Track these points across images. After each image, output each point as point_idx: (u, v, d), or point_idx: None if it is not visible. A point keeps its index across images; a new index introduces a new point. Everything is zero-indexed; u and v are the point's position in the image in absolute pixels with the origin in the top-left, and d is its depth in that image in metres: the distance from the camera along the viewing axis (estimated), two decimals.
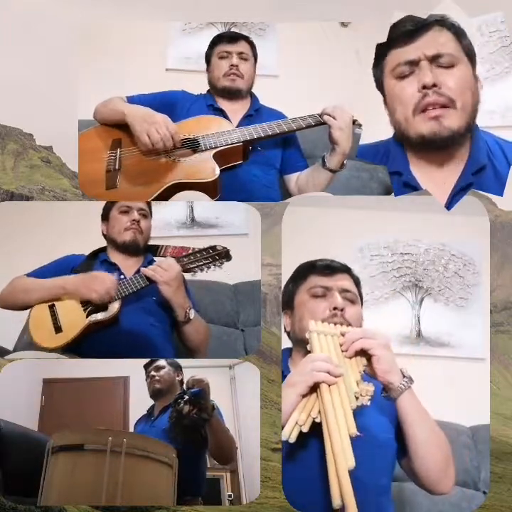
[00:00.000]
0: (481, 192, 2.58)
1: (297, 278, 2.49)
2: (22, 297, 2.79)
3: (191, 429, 2.84)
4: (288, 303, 2.49)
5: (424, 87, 2.37)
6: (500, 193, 2.52)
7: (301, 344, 2.35)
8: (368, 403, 2.11)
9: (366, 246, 3.01)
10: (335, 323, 2.30)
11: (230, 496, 3.10)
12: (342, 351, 2.19)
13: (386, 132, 2.57)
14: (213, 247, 2.82)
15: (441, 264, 3.02)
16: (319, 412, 2.07)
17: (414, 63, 2.39)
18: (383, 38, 2.50)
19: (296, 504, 2.27)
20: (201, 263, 2.80)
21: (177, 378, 3.05)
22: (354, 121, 2.75)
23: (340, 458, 1.96)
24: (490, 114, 2.53)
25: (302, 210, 2.86)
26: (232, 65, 2.92)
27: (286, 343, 2.53)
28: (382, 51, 2.47)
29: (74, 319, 2.73)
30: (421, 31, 2.41)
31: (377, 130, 2.60)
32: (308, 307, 2.40)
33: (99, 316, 2.73)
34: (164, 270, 2.76)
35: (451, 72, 2.38)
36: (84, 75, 3.00)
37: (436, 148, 2.43)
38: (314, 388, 2.10)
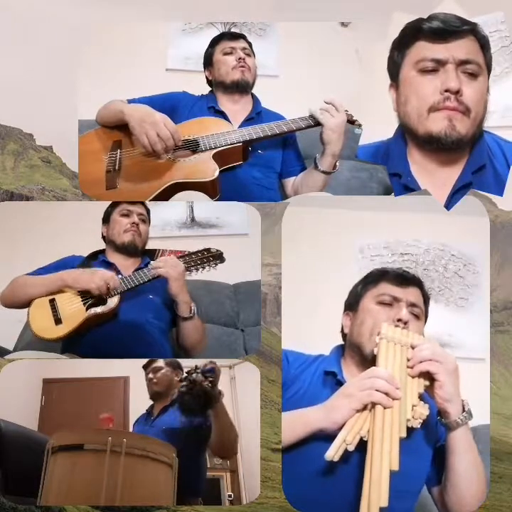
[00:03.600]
0: (481, 192, 2.58)
1: (368, 282, 2.44)
2: (22, 293, 2.80)
3: (199, 400, 2.81)
4: (352, 305, 2.43)
5: (447, 90, 2.36)
6: (500, 193, 2.52)
7: (357, 349, 2.34)
8: (419, 426, 2.08)
9: (366, 246, 3.00)
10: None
11: (230, 496, 3.10)
12: (407, 367, 2.14)
13: (386, 132, 2.57)
14: (208, 250, 2.91)
15: (442, 265, 3.02)
16: (368, 431, 2.03)
17: (440, 63, 2.38)
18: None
19: (296, 504, 2.27)
20: (196, 264, 2.87)
21: (175, 378, 3.05)
22: (354, 122, 2.76)
23: (375, 493, 1.94)
24: (490, 114, 2.53)
25: (302, 210, 2.86)
26: (240, 58, 2.93)
27: (286, 342, 2.52)
28: (409, 37, 2.44)
29: (73, 312, 2.77)
30: (456, 35, 2.39)
31: (377, 130, 2.61)
32: (372, 313, 2.35)
33: (98, 309, 2.78)
34: (173, 266, 2.82)
35: (474, 82, 2.39)
36: (84, 75, 3.00)
37: (440, 148, 2.43)
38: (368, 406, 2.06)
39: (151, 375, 3.05)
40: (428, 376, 2.13)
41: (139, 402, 3.15)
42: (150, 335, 2.83)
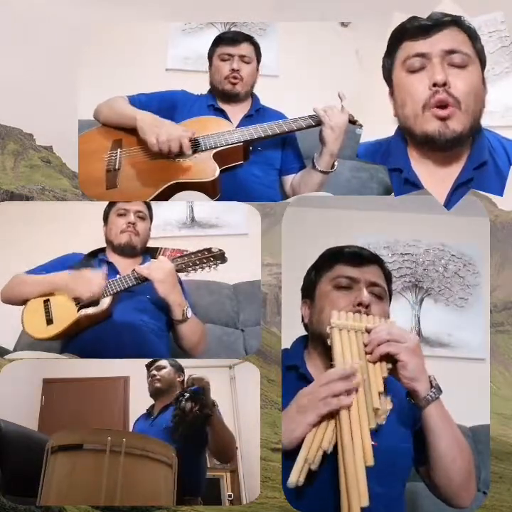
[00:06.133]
0: (481, 192, 2.58)
1: (322, 266, 2.28)
2: (18, 291, 2.83)
3: (194, 426, 2.84)
4: (308, 292, 2.29)
5: (435, 84, 2.33)
6: (500, 193, 2.52)
7: (319, 338, 2.19)
8: (384, 422, 1.98)
9: (366, 246, 3.00)
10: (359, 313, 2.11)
11: (230, 496, 3.10)
12: (366, 353, 2.01)
13: (386, 132, 2.56)
14: (209, 249, 2.83)
15: (441, 265, 3.02)
16: (330, 442, 1.93)
17: (426, 57, 2.35)
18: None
19: (296, 504, 2.27)
20: (195, 264, 2.82)
21: (178, 379, 3.05)
22: (355, 122, 2.76)
23: (354, 495, 1.87)
24: (490, 114, 2.52)
25: (302, 210, 2.86)
26: (232, 69, 2.92)
27: (287, 341, 2.46)
28: (395, 41, 2.43)
29: (65, 312, 2.78)
30: (438, 27, 2.36)
31: (377, 130, 2.60)
32: (330, 299, 2.19)
33: (90, 310, 2.78)
34: (158, 268, 2.78)
35: (462, 73, 2.35)
36: (84, 75, 3.00)
37: (439, 148, 2.43)
38: (327, 414, 1.94)
39: (154, 372, 3.04)
40: (389, 358, 1.99)
41: (139, 402, 3.15)
42: (145, 336, 2.81)
